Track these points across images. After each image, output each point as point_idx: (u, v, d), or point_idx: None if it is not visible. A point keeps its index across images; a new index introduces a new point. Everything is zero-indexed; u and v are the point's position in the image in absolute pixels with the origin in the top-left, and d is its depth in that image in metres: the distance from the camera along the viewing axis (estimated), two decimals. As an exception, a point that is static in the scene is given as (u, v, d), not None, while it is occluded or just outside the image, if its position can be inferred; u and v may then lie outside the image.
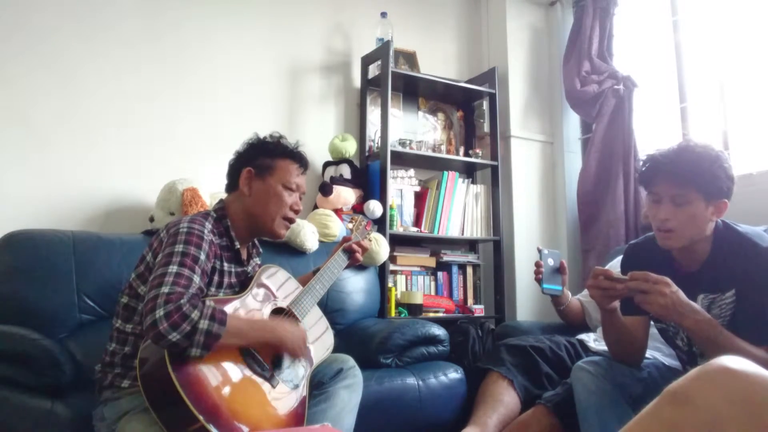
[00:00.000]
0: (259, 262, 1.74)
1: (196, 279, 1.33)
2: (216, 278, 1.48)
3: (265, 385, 1.38)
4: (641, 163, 1.60)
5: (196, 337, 1.22)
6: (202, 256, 1.38)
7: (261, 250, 1.76)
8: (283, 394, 1.41)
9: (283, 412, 1.38)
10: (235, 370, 1.33)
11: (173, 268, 1.31)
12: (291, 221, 1.63)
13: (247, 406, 1.30)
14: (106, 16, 2.42)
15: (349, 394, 1.57)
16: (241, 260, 1.60)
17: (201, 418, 1.17)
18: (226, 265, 1.53)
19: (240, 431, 1.24)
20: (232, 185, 1.63)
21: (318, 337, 1.66)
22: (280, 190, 1.58)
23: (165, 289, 1.25)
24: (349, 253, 1.83)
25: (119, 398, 1.35)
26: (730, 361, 0.79)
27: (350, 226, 1.95)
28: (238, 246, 1.58)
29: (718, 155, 1.49)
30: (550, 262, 2.03)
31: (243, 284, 1.59)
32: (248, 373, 1.35)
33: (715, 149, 1.51)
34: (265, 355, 1.43)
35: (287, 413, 1.39)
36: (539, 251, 2.04)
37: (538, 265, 2.06)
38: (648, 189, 1.57)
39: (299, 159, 1.65)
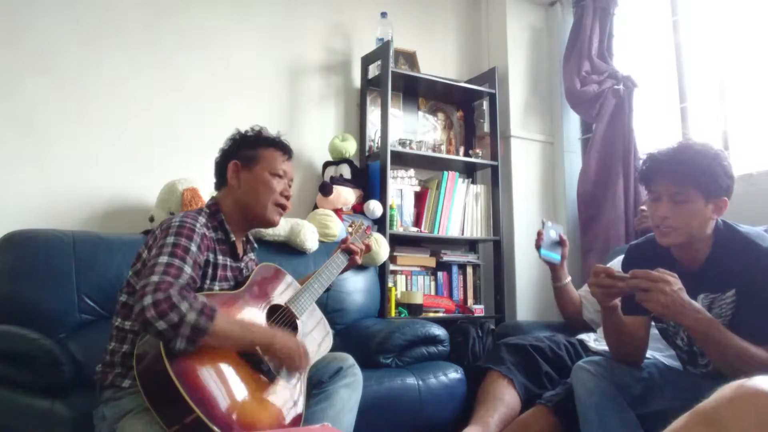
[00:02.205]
0: (253, 257, 1.75)
1: (188, 269, 1.33)
2: (210, 271, 1.49)
3: (263, 380, 1.38)
4: (641, 162, 1.60)
5: (182, 330, 1.21)
6: (194, 248, 1.39)
7: (256, 245, 1.77)
8: (281, 389, 1.41)
9: (281, 407, 1.38)
10: (232, 365, 1.33)
11: (164, 259, 1.32)
12: (283, 207, 1.65)
13: (244, 400, 1.30)
14: (106, 17, 2.42)
15: (349, 392, 1.57)
16: (237, 254, 1.61)
17: (197, 409, 1.17)
18: (221, 258, 1.54)
19: (236, 424, 1.24)
20: (221, 182, 1.66)
21: (313, 329, 1.66)
22: (267, 177, 1.60)
23: (155, 278, 1.26)
24: (348, 253, 1.83)
25: (120, 398, 1.35)
26: (766, 383, 0.77)
27: (349, 229, 1.96)
28: (234, 238, 1.59)
29: (717, 153, 1.50)
30: (552, 233, 2.15)
31: (238, 279, 1.60)
32: (246, 367, 1.35)
33: (714, 147, 1.52)
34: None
35: (284, 409, 1.39)
36: (542, 222, 2.17)
37: (539, 233, 2.17)
38: (647, 187, 1.58)
39: (282, 146, 1.67)
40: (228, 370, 1.31)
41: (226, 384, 1.28)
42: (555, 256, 2.22)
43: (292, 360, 1.43)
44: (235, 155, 1.63)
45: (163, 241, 1.37)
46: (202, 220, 1.50)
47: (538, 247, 2.23)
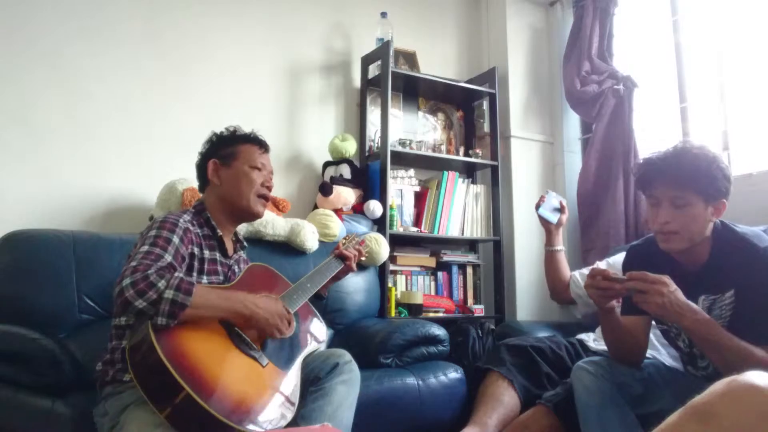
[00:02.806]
0: (243, 256, 1.77)
1: (168, 257, 1.37)
2: (197, 264, 1.52)
3: (253, 363, 1.38)
4: (637, 167, 1.60)
5: (162, 306, 1.25)
6: (175, 239, 1.44)
7: (245, 244, 1.79)
8: (272, 373, 1.42)
9: (271, 389, 1.38)
10: (221, 347, 1.34)
11: (144, 248, 1.37)
12: (266, 198, 1.69)
13: (235, 381, 1.30)
14: (106, 17, 2.42)
15: (347, 389, 1.57)
16: (225, 249, 1.63)
17: (186, 386, 1.18)
18: (208, 252, 1.57)
19: (226, 403, 1.24)
20: (203, 183, 1.71)
21: (309, 328, 1.68)
22: (247, 170, 1.66)
23: (133, 263, 1.30)
24: (341, 260, 1.86)
25: (121, 392, 1.36)
26: (758, 377, 0.77)
27: (343, 241, 1.99)
28: (221, 233, 1.62)
29: (715, 156, 1.50)
30: (554, 201, 2.46)
31: (228, 275, 1.63)
32: (235, 350, 1.37)
33: (711, 150, 1.51)
34: (252, 336, 1.44)
35: (275, 391, 1.39)
36: (547, 191, 2.51)
37: (541, 197, 2.48)
38: (646, 192, 1.57)
39: (258, 141, 1.73)
40: (219, 353, 1.32)
41: (217, 365, 1.29)
42: (551, 216, 2.46)
43: (273, 326, 1.44)
44: (213, 155, 1.68)
45: (146, 234, 1.44)
46: (186, 217, 1.54)
47: (537, 207, 2.48)
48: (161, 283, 1.26)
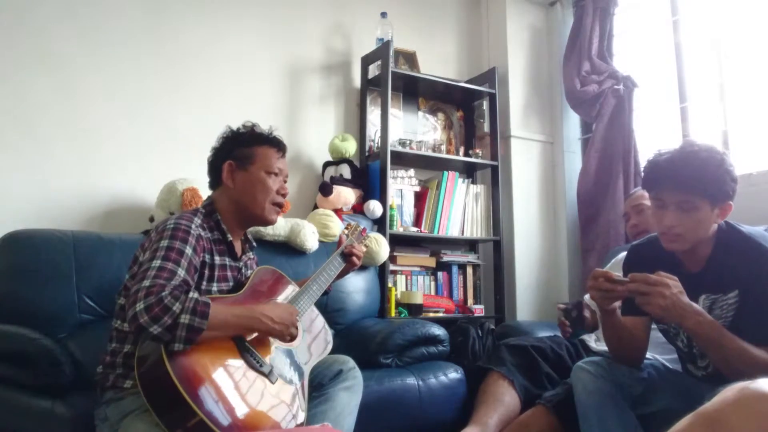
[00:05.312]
0: (252, 256, 1.73)
1: (181, 272, 1.32)
2: (207, 272, 1.48)
3: (264, 381, 1.37)
4: (643, 168, 1.58)
5: (178, 332, 1.21)
6: (188, 250, 1.38)
7: (254, 244, 1.75)
8: (282, 389, 1.41)
9: (283, 409, 1.38)
10: (233, 367, 1.33)
11: (156, 263, 1.31)
12: (280, 206, 1.63)
13: (247, 403, 1.30)
14: (106, 17, 2.42)
15: (349, 395, 1.57)
16: (235, 253, 1.59)
17: (200, 413, 1.17)
18: (218, 258, 1.52)
19: (239, 426, 1.23)
20: (215, 182, 1.64)
21: (316, 336, 1.66)
22: (263, 176, 1.59)
23: (146, 283, 1.25)
24: (346, 256, 1.82)
25: (122, 398, 1.35)
26: None
27: (346, 231, 1.94)
28: (231, 238, 1.57)
29: (722, 158, 1.47)
30: (573, 314, 1.89)
31: (237, 279, 1.59)
32: (246, 369, 1.35)
33: (719, 152, 1.49)
34: (262, 349, 1.43)
35: (287, 410, 1.39)
36: (559, 309, 1.89)
37: (563, 325, 1.90)
38: (651, 194, 1.56)
39: (276, 143, 1.65)
40: (230, 373, 1.31)
41: (229, 387, 1.28)
42: (583, 331, 1.97)
43: (287, 335, 1.46)
44: (229, 155, 1.60)
45: (157, 244, 1.36)
46: (197, 221, 1.48)
47: (568, 335, 1.92)
48: (176, 307, 1.22)
